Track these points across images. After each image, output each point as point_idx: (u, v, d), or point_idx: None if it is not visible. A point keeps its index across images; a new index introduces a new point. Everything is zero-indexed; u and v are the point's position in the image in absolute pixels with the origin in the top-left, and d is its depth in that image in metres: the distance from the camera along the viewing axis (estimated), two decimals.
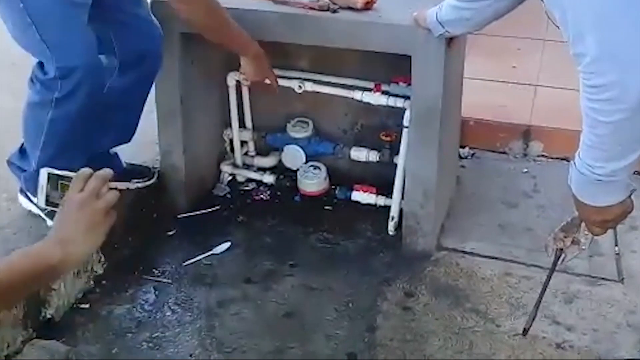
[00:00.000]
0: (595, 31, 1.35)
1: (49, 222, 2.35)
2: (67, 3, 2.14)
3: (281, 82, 2.71)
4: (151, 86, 2.53)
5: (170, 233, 2.70)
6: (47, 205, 1.30)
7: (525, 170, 3.10)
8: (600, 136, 1.43)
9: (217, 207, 2.85)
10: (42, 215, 2.37)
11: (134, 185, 2.61)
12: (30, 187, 2.38)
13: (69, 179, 1.28)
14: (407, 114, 2.50)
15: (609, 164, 1.46)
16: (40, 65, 2.19)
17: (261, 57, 2.48)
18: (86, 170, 1.28)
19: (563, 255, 1.84)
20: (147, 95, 2.54)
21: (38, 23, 2.09)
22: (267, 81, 2.57)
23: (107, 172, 1.28)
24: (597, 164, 1.48)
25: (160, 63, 2.47)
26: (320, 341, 2.19)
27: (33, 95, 2.25)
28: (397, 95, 2.59)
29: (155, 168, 2.79)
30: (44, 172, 1.29)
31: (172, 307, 2.33)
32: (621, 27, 1.33)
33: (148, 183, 2.68)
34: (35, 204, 2.40)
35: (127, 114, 2.53)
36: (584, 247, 1.80)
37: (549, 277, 1.89)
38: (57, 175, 1.30)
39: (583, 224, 1.75)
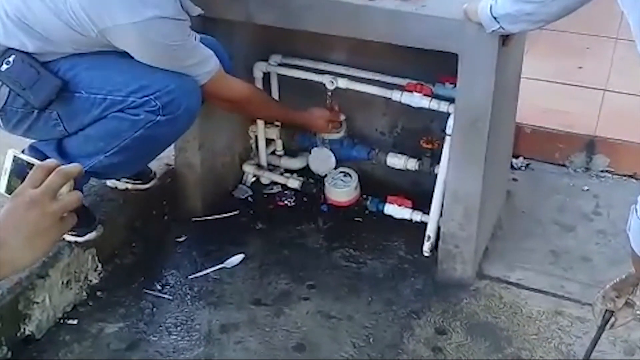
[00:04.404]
0: None
1: None
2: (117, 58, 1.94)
3: (312, 76, 2.47)
4: None
5: (180, 239, 2.44)
6: (7, 192, 1.06)
7: (587, 187, 2.74)
8: None
9: (236, 212, 2.58)
10: None
11: (123, 185, 2.35)
12: None
13: None
14: (450, 120, 2.17)
15: None
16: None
17: (314, 122, 2.45)
18: (50, 162, 1.03)
19: (613, 319, 1.52)
20: None
21: (112, 91, 1.92)
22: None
23: (74, 167, 1.04)
24: None
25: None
26: None
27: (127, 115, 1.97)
28: (442, 98, 2.26)
29: (171, 166, 2.52)
30: (10, 154, 1.06)
31: (169, 329, 2.07)
32: None
33: (140, 187, 2.39)
34: None
35: None
36: (639, 312, 1.49)
37: (594, 343, 1.55)
38: (25, 162, 1.06)
39: None
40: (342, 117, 2.50)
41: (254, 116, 2.53)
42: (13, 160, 1.06)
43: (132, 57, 1.93)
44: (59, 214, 1.00)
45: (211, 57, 2.01)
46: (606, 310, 1.53)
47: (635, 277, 1.44)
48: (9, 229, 0.98)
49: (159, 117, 1.91)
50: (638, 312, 1.50)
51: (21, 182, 1.03)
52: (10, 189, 1.05)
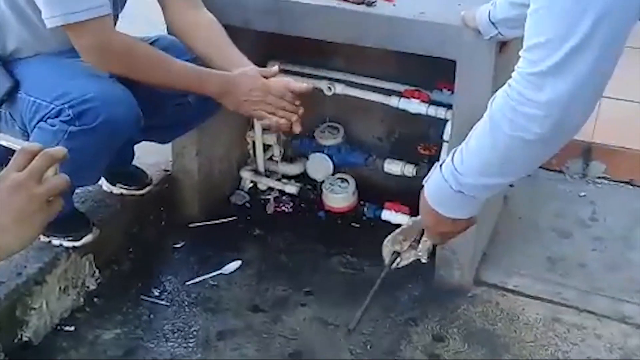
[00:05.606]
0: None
1: None
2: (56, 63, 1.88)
3: (310, 82, 2.42)
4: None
5: (178, 245, 2.44)
6: None
7: (583, 194, 2.74)
8: (494, 149, 1.27)
9: (233, 218, 2.57)
10: None
11: (118, 190, 2.34)
12: None
13: None
14: (447, 126, 2.17)
15: (482, 178, 1.32)
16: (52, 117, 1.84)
17: (233, 92, 1.93)
18: (33, 145, 1.01)
19: (399, 260, 1.66)
20: None
21: (41, 95, 1.83)
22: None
23: (59, 150, 1.02)
24: (469, 172, 1.33)
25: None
26: None
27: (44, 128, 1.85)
28: (439, 104, 2.27)
29: (168, 172, 2.52)
30: None
31: (166, 335, 2.06)
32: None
33: (135, 192, 2.38)
34: None
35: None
36: (420, 253, 1.64)
37: (382, 280, 1.67)
38: (5, 147, 1.05)
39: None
40: (304, 86, 1.97)
41: (147, 82, 1.87)
42: None
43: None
44: (45, 197, 0.98)
45: None
46: (393, 252, 1.65)
47: (422, 224, 1.55)
48: None
49: (71, 128, 1.77)
50: (419, 253, 1.64)
51: (2, 168, 1.00)
52: None
